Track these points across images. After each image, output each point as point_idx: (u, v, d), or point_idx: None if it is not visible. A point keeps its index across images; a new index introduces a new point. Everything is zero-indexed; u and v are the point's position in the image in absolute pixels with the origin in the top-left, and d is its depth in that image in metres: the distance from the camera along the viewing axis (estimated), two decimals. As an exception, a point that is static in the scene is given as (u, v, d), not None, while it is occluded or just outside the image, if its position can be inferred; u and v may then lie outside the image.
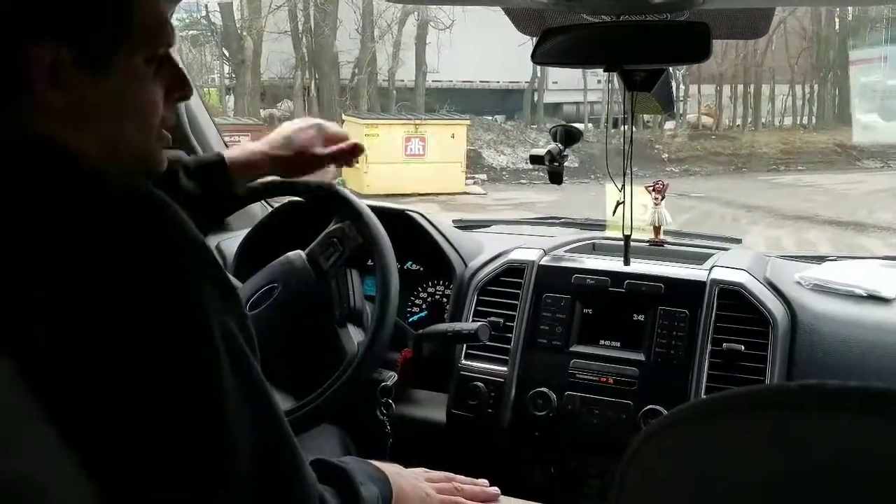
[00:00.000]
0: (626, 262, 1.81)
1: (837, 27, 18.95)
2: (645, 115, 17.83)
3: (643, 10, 1.49)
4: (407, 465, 1.34)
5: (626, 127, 1.76)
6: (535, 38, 1.61)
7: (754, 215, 12.14)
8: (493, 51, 15.44)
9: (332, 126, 1.62)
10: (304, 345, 1.58)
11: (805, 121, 20.14)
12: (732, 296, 1.70)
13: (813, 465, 0.54)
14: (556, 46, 1.58)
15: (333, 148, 1.58)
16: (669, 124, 18.88)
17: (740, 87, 19.64)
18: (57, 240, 0.84)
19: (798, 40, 17.79)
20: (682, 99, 19.25)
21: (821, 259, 1.99)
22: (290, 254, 1.61)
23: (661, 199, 2.04)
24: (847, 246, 9.96)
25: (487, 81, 18.88)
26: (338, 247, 1.58)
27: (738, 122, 19.99)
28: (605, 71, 1.63)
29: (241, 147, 1.60)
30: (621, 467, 0.62)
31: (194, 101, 2.00)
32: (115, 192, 0.88)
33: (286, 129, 1.60)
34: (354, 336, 1.57)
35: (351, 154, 1.61)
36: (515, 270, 1.87)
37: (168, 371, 0.86)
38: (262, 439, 0.91)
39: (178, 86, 1.04)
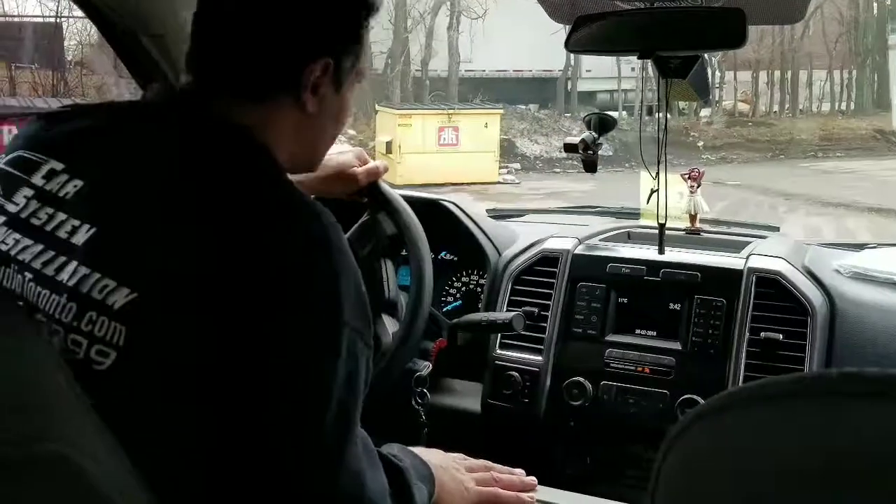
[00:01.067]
0: (661, 251, 1.80)
1: (876, 11, 18.67)
2: (680, 103, 17.72)
3: (676, -2, 1.48)
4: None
5: (660, 115, 1.75)
6: (568, 27, 1.61)
7: (792, 203, 12.01)
8: (526, 39, 15.36)
9: (363, 153, 1.67)
10: None
11: (843, 107, 19.86)
12: (770, 284, 1.68)
13: (853, 454, 0.54)
14: (589, 34, 1.58)
15: (366, 167, 1.62)
16: (705, 111, 18.72)
17: (777, 73, 19.42)
18: (235, 229, 0.90)
19: (836, 25, 17.56)
20: (717, 85, 19.10)
21: (860, 247, 1.96)
22: None
23: (697, 187, 2.03)
24: (889, 234, 9.83)
25: (520, 70, 18.82)
26: (372, 237, 1.59)
27: (776, 108, 19.77)
28: (639, 58, 1.63)
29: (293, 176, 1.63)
30: (658, 457, 0.62)
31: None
32: (301, 207, 0.97)
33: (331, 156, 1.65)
34: (389, 327, 1.56)
35: (380, 173, 1.65)
36: (550, 259, 1.86)
37: (289, 359, 0.90)
38: (351, 443, 0.96)
39: None
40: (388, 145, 13.30)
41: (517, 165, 14.65)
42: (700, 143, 16.97)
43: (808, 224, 10.55)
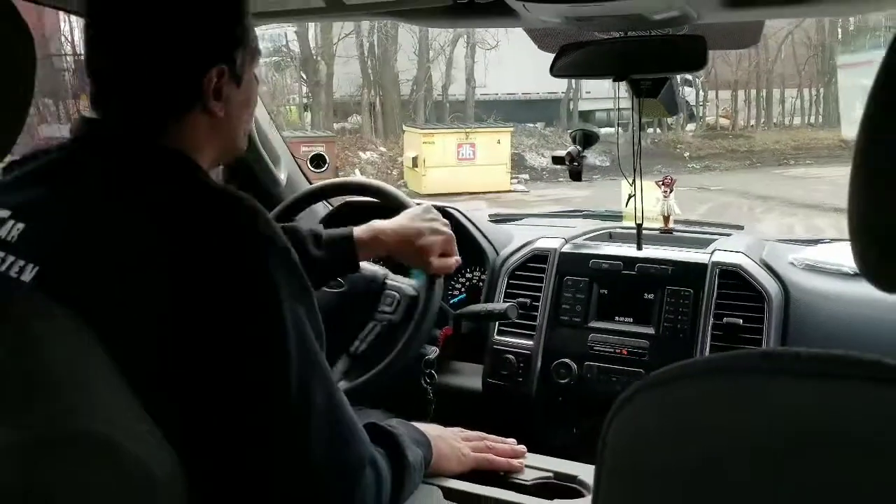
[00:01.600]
0: (639, 248, 1.80)
1: (840, 36, 18.50)
2: (668, 119, 17.62)
3: (647, 27, 1.48)
4: (446, 426, 1.35)
5: (634, 130, 1.74)
6: (552, 54, 1.60)
7: (768, 205, 11.90)
8: (533, 66, 15.30)
9: (452, 242, 1.53)
10: (357, 330, 1.59)
11: (812, 120, 19.70)
12: (731, 276, 1.67)
13: (769, 425, 0.53)
14: (571, 61, 1.57)
15: (442, 262, 1.51)
16: (690, 126, 18.60)
17: (753, 92, 19.29)
18: (173, 232, 0.88)
19: (804, 49, 17.42)
20: (701, 103, 18.96)
21: (813, 242, 1.95)
22: (370, 271, 1.64)
23: (670, 193, 2.02)
24: (851, 230, 9.69)
25: (528, 93, 18.76)
26: (396, 302, 1.61)
27: (752, 122, 19.63)
28: (614, 80, 1.61)
29: (373, 225, 1.50)
30: (604, 429, 0.61)
31: (263, 117, 2.01)
32: (222, 198, 0.93)
33: (419, 220, 1.51)
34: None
35: (450, 270, 1.54)
36: (540, 257, 1.86)
37: (243, 341, 0.88)
38: (321, 405, 0.93)
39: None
40: (415, 160, 13.32)
41: (526, 176, 14.61)
42: (686, 154, 16.87)
43: (782, 223, 10.45)
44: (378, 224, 1.50)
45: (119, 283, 0.85)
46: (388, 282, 1.63)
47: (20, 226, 0.91)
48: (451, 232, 1.53)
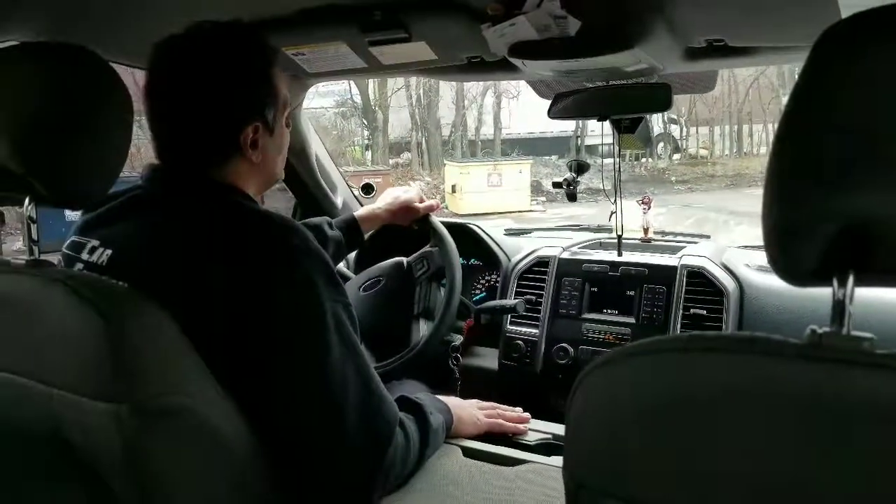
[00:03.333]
0: (619, 254, 1.79)
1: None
2: (658, 151, 17.41)
3: (623, 77, 1.47)
4: (467, 399, 1.35)
5: (616, 160, 1.73)
6: (549, 100, 1.61)
7: (740, 219, 11.65)
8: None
9: (420, 191, 1.67)
10: (392, 324, 1.58)
11: (777, 149, 19.29)
12: (697, 276, 1.66)
13: (696, 393, 0.53)
14: (564, 105, 1.57)
15: (425, 203, 1.62)
16: (676, 156, 18.35)
17: (727, 127, 18.98)
18: (225, 245, 0.89)
19: (768, 92, 17.08)
20: (685, 137, 18.70)
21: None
22: (398, 259, 1.63)
23: (648, 209, 1.99)
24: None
25: (544, 132, 18.59)
26: (426, 264, 1.59)
27: (727, 152, 19.28)
28: (598, 120, 1.61)
29: (367, 207, 1.65)
30: (572, 392, 0.61)
31: (324, 155, 2.04)
32: (264, 218, 0.93)
33: (394, 192, 1.66)
34: (423, 328, 1.56)
35: (434, 208, 1.64)
36: (543, 262, 1.85)
37: (291, 336, 0.89)
38: (358, 384, 0.94)
39: (289, 125, 1.12)
40: (454, 187, 13.31)
41: (543, 198, 14.47)
42: (673, 179, 16.60)
43: (752, 234, 10.22)
44: (369, 206, 1.64)
45: (188, 284, 0.87)
46: (411, 259, 1.62)
47: (108, 251, 0.94)
48: (416, 187, 1.69)
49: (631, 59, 1.30)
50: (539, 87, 1.70)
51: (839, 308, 0.50)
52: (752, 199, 13.74)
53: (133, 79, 0.98)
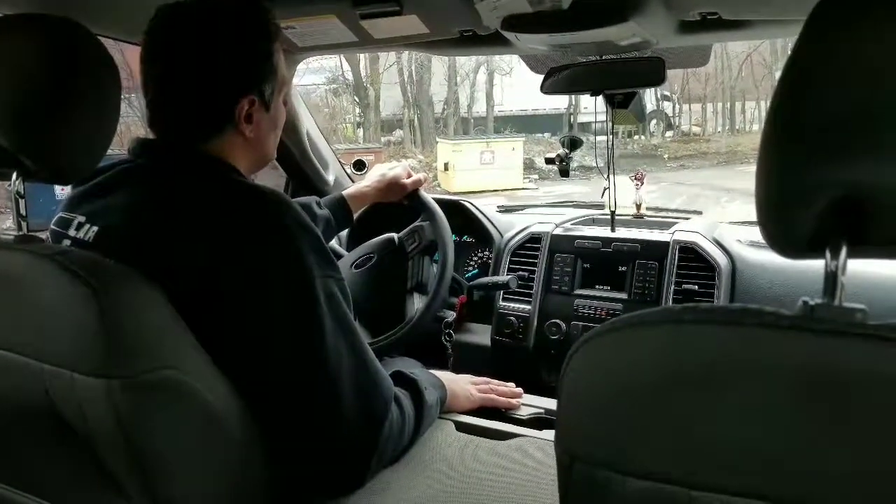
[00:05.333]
0: (613, 230, 1.78)
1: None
2: (650, 128, 17.38)
3: (616, 51, 1.46)
4: (460, 374, 1.35)
5: (609, 136, 1.72)
6: (542, 75, 1.59)
7: (732, 196, 11.68)
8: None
9: (408, 167, 1.66)
10: (385, 300, 1.58)
11: (769, 126, 19.28)
12: (689, 251, 1.65)
13: (680, 360, 0.53)
14: (557, 80, 1.56)
15: (412, 178, 1.61)
16: (669, 133, 18.33)
17: (720, 104, 18.95)
18: (214, 221, 0.88)
19: (761, 68, 17.02)
20: (677, 114, 18.67)
21: (756, 224, 1.91)
22: (388, 235, 1.62)
23: (641, 185, 1.99)
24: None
25: (537, 109, 18.53)
26: (417, 238, 1.58)
27: (719, 129, 19.27)
28: (591, 95, 1.60)
29: (355, 186, 1.64)
30: (564, 365, 0.61)
31: (315, 132, 2.02)
32: (255, 193, 0.92)
33: (381, 169, 1.65)
34: (417, 302, 1.56)
35: (422, 183, 1.64)
36: (535, 238, 1.85)
37: (284, 312, 0.88)
38: (352, 359, 0.93)
39: (286, 103, 1.11)
40: (446, 165, 13.26)
41: (536, 176, 14.45)
42: (665, 156, 16.59)
43: (743, 209, 10.26)
44: (358, 184, 1.63)
45: (176, 260, 0.86)
46: (402, 234, 1.61)
47: (95, 227, 0.93)
48: (403, 163, 1.67)
49: (625, 33, 1.29)
50: (532, 62, 1.69)
51: (831, 279, 0.50)
52: (745, 177, 13.76)
53: (122, 56, 0.96)
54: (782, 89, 0.51)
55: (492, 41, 1.46)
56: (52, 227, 0.99)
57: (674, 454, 0.50)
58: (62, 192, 1.09)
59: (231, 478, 0.86)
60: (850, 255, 0.50)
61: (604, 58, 1.52)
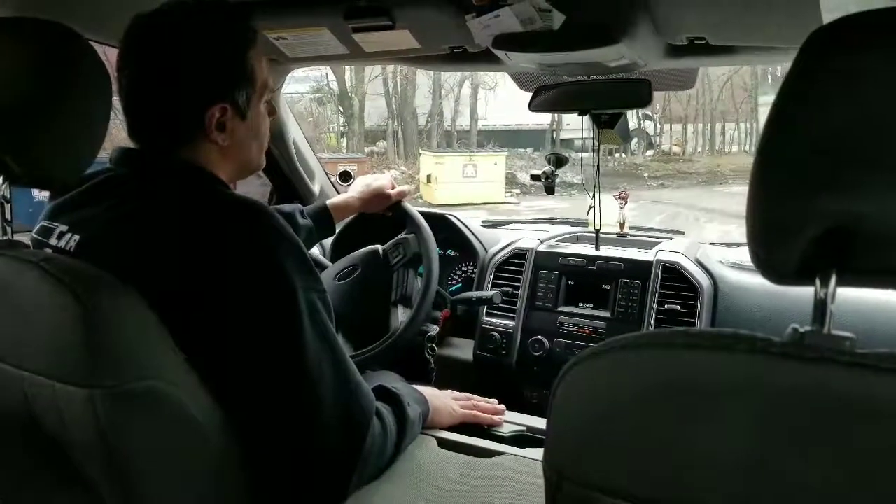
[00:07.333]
0: (597, 248, 1.79)
1: (770, 81, 18.42)
2: (631, 147, 17.55)
3: (605, 72, 1.48)
4: (443, 389, 1.35)
5: (595, 154, 1.74)
6: (530, 93, 1.61)
7: (711, 216, 11.81)
8: (524, 103, 15.24)
9: (391, 178, 1.68)
10: (368, 313, 1.57)
11: (747, 148, 19.53)
12: (671, 271, 1.66)
13: (677, 384, 0.53)
14: (545, 99, 1.58)
15: (396, 189, 1.62)
16: (649, 152, 18.53)
17: (700, 125, 19.21)
18: (194, 233, 0.86)
19: (741, 91, 17.30)
20: (658, 134, 18.91)
21: (740, 245, 1.93)
22: (373, 247, 1.61)
23: (625, 204, 2.01)
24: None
25: (520, 124, 18.66)
26: (401, 251, 1.58)
27: (699, 149, 19.52)
28: (579, 115, 1.62)
29: (340, 196, 1.65)
30: (555, 384, 0.61)
31: (302, 141, 2.02)
32: (236, 204, 0.90)
33: (366, 180, 1.66)
34: (401, 315, 1.55)
35: (405, 195, 1.65)
36: (520, 254, 1.85)
37: (266, 324, 0.87)
38: (334, 372, 0.92)
39: (273, 112, 1.09)
40: (429, 177, 13.28)
41: (518, 190, 14.53)
42: (646, 175, 16.78)
43: (723, 230, 10.37)
44: (343, 195, 1.64)
45: (157, 270, 0.84)
46: (386, 246, 1.61)
47: (76, 237, 0.91)
48: (388, 174, 1.69)
49: (614, 55, 1.31)
50: (520, 80, 1.70)
51: (821, 307, 0.50)
52: (723, 197, 13.98)
53: (108, 58, 0.96)
54: (772, 119, 0.52)
55: (482, 58, 1.47)
56: (34, 235, 0.97)
57: (665, 477, 0.50)
58: (40, 193, 1.07)
59: (211, 488, 0.85)
60: (840, 283, 0.50)
61: (592, 78, 1.53)
